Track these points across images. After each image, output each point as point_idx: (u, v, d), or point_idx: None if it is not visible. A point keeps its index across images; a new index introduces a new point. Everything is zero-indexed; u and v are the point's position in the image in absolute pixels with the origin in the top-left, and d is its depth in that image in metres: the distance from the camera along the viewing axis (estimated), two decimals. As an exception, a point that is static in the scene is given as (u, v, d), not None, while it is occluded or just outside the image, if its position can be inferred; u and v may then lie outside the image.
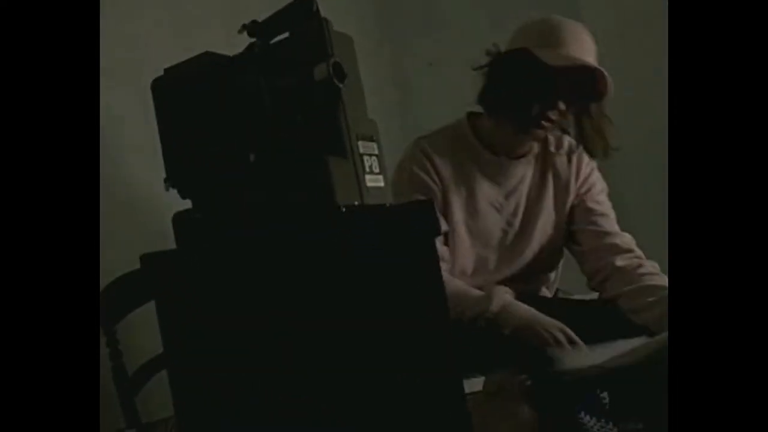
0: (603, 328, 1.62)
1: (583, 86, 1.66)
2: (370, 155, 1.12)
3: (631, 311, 1.64)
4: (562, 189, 1.78)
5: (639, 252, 1.74)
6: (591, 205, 1.79)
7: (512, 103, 1.67)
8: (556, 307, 1.67)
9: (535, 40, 1.65)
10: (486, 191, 1.74)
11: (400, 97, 3.02)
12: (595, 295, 1.81)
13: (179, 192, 1.16)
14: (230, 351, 1.10)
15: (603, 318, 1.69)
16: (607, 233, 1.76)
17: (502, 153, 1.75)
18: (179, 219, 1.14)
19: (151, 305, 1.19)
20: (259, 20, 1.14)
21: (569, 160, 1.79)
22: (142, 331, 1.90)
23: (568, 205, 1.79)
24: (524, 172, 1.76)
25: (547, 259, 1.80)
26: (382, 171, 1.15)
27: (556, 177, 1.78)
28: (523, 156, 1.76)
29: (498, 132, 1.73)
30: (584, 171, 1.80)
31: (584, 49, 1.65)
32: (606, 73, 1.62)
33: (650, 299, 1.62)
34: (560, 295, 1.90)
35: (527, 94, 1.65)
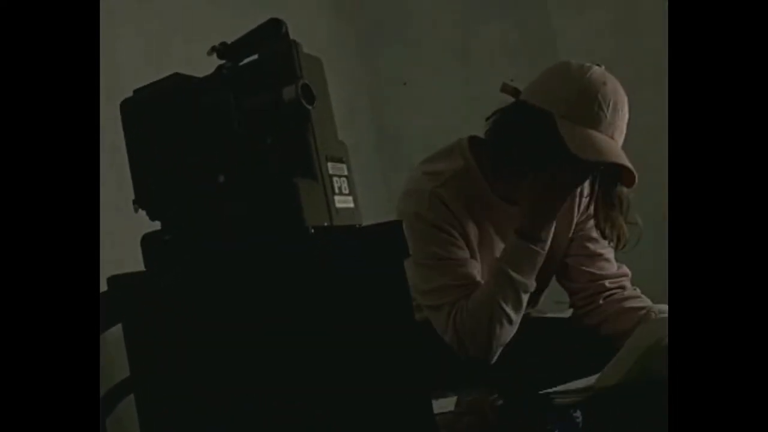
0: (577, 346, 1.64)
1: (607, 168, 1.54)
2: (340, 176, 1.13)
3: (614, 336, 1.64)
4: (565, 225, 1.71)
5: (627, 284, 1.73)
6: (587, 243, 1.72)
7: (527, 171, 1.53)
8: (530, 325, 1.67)
9: (564, 107, 1.49)
10: (498, 245, 1.65)
11: (374, 116, 3.03)
12: (568, 313, 1.82)
13: (148, 213, 1.15)
14: (197, 375, 1.10)
15: (577, 336, 1.70)
16: (599, 276, 1.72)
17: (511, 197, 1.63)
18: (147, 241, 1.14)
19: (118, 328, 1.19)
20: (229, 42, 1.15)
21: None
22: (112, 352, 1.89)
23: (568, 237, 1.73)
24: None
25: (541, 291, 1.76)
26: (352, 192, 1.15)
27: (561, 215, 1.66)
28: None
29: (508, 182, 1.61)
30: (585, 201, 1.72)
31: (617, 129, 1.51)
32: (633, 171, 1.50)
33: (632, 322, 1.62)
34: (534, 314, 1.90)
35: (547, 168, 1.51)
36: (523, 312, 1.59)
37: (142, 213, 1.16)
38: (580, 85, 1.50)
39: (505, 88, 1.57)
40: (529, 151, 1.52)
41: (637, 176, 1.51)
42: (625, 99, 1.53)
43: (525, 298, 1.58)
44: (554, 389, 1.46)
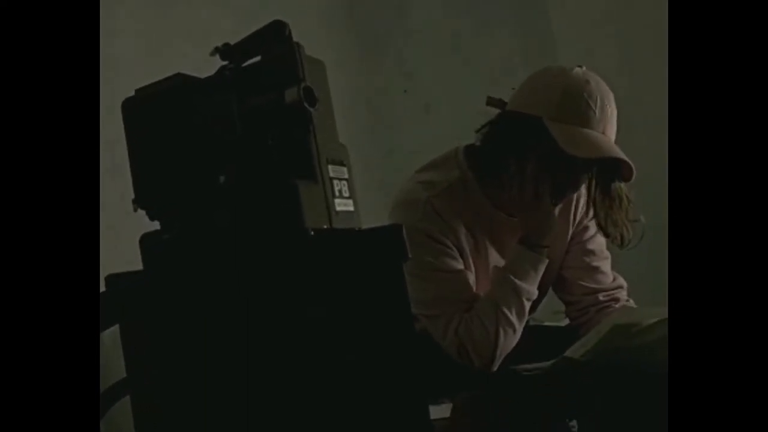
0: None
1: (604, 165, 1.54)
2: (340, 179, 1.13)
3: None
4: (561, 233, 1.69)
5: (622, 295, 1.73)
6: (584, 257, 1.71)
7: (521, 179, 1.52)
8: (530, 333, 1.67)
9: (553, 109, 1.48)
10: (496, 257, 1.65)
11: (374, 123, 3.03)
12: (565, 322, 1.82)
13: (147, 213, 1.15)
14: (194, 376, 1.09)
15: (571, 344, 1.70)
16: (594, 290, 1.71)
17: (509, 208, 1.62)
18: (146, 240, 1.14)
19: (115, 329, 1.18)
20: (232, 43, 1.15)
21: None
22: (109, 352, 1.88)
23: (565, 244, 1.72)
24: None
25: (540, 299, 1.74)
26: (352, 195, 1.15)
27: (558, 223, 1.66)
28: None
29: (503, 191, 1.58)
30: (580, 212, 1.71)
31: (608, 123, 1.50)
32: (630, 163, 1.50)
33: None
34: (531, 323, 1.90)
35: (539, 174, 1.51)
36: (525, 320, 1.59)
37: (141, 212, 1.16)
38: (565, 86, 1.50)
39: (491, 101, 1.57)
40: (522, 159, 1.52)
41: (635, 169, 1.50)
42: (611, 95, 1.53)
43: (528, 305, 1.58)
44: (521, 366, 1.47)
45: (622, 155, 1.50)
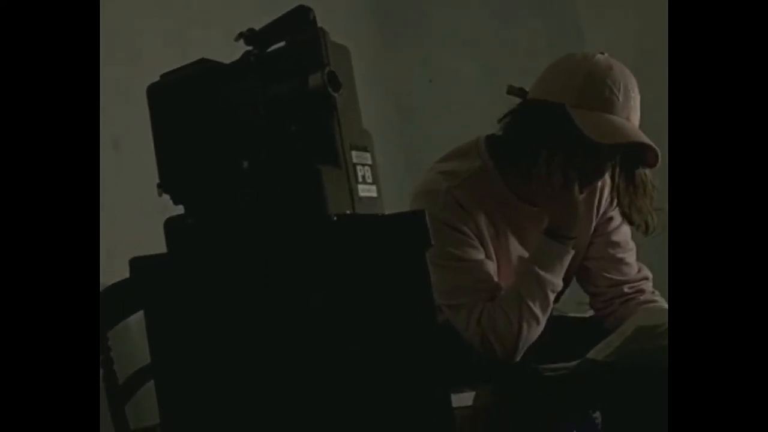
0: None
1: (628, 151, 1.52)
2: (363, 165, 1.12)
3: None
4: (586, 223, 1.67)
5: (647, 287, 1.71)
6: (608, 248, 1.69)
7: (544, 167, 1.50)
8: (553, 324, 1.66)
9: (575, 96, 1.47)
10: (517, 247, 1.64)
11: (400, 113, 3.03)
12: (589, 313, 1.81)
13: (172, 198, 1.16)
14: (218, 360, 1.10)
15: (596, 337, 1.69)
16: (619, 282, 1.70)
17: (531, 198, 1.60)
18: (171, 224, 1.14)
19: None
20: (256, 29, 1.15)
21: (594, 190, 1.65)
22: (137, 339, 1.90)
23: (589, 235, 1.70)
24: None
25: (564, 289, 1.71)
26: (375, 181, 1.14)
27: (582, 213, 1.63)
28: None
29: (526, 181, 1.57)
30: (605, 202, 1.68)
31: (632, 110, 1.48)
32: (656, 147, 1.47)
33: None
34: (555, 313, 1.89)
35: (564, 163, 1.49)
36: (549, 312, 1.58)
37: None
38: (587, 72, 1.49)
39: (512, 90, 1.55)
40: (545, 148, 1.51)
41: (660, 154, 1.48)
42: (634, 81, 1.51)
43: (552, 297, 1.57)
44: (545, 365, 1.46)
45: (647, 140, 1.48)
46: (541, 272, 1.54)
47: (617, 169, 1.60)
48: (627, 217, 1.63)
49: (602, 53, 1.54)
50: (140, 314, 1.43)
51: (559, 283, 1.57)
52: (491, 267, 1.59)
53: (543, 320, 1.56)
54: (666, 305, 1.70)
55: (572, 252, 1.57)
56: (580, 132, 1.46)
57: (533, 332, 1.55)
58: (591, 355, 1.42)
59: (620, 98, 1.48)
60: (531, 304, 1.53)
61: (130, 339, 1.83)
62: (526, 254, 1.64)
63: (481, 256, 1.57)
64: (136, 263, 1.11)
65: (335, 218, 1.06)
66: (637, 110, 1.51)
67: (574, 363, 1.44)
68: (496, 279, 1.59)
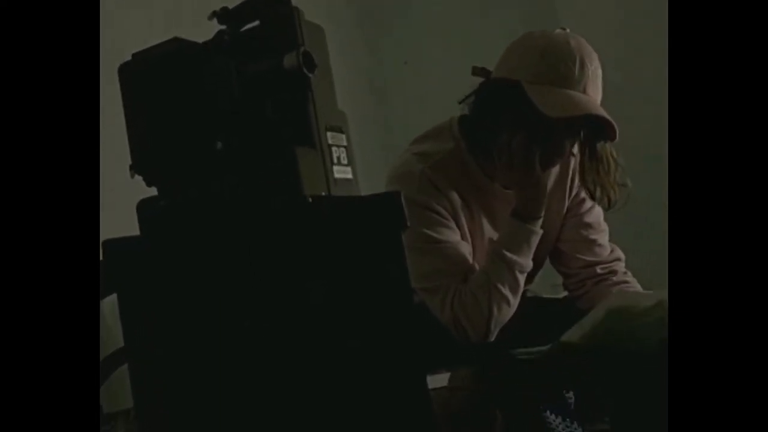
0: (567, 328, 1.63)
1: (588, 127, 1.52)
2: (339, 146, 1.11)
3: None
4: (557, 203, 1.69)
5: (620, 267, 1.73)
6: (581, 230, 1.71)
7: (505, 147, 1.51)
8: (527, 306, 1.67)
9: (531, 72, 1.47)
10: (489, 229, 1.65)
11: (374, 94, 3.02)
12: (563, 294, 1.82)
13: (144, 179, 1.14)
14: (192, 343, 1.09)
15: (569, 318, 1.70)
16: (591, 263, 1.71)
17: (501, 179, 1.61)
18: (143, 206, 1.13)
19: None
20: (230, 7, 1.13)
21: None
22: (109, 323, 1.88)
23: (561, 216, 1.71)
24: None
25: (536, 270, 1.75)
26: (351, 162, 1.14)
27: (552, 191, 1.67)
28: None
29: (494, 164, 1.57)
30: (576, 184, 1.69)
31: (589, 83, 1.47)
32: (612, 121, 1.48)
33: None
34: (528, 294, 1.90)
35: (526, 143, 1.48)
36: (520, 293, 1.59)
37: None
38: (543, 47, 1.49)
39: (475, 71, 1.56)
40: (506, 127, 1.50)
41: (617, 128, 1.48)
42: (594, 55, 1.51)
43: (522, 278, 1.57)
44: (519, 350, 1.47)
45: (602, 113, 1.48)
46: (509, 254, 1.54)
47: (584, 148, 1.60)
48: (589, 192, 1.64)
49: (563, 29, 1.54)
50: (111, 298, 1.42)
51: (527, 264, 1.57)
52: (467, 248, 1.59)
53: (514, 301, 1.56)
54: (638, 286, 1.71)
55: (540, 232, 1.57)
56: (537, 108, 1.45)
57: (504, 314, 1.55)
58: (564, 338, 1.43)
59: (576, 72, 1.47)
60: (500, 287, 1.53)
61: (102, 323, 1.81)
62: (494, 235, 1.64)
63: (457, 237, 1.57)
64: (108, 245, 1.09)
65: (310, 200, 1.05)
66: (596, 83, 1.50)
67: (547, 347, 1.45)
68: (471, 261, 1.59)
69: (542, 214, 1.56)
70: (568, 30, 1.54)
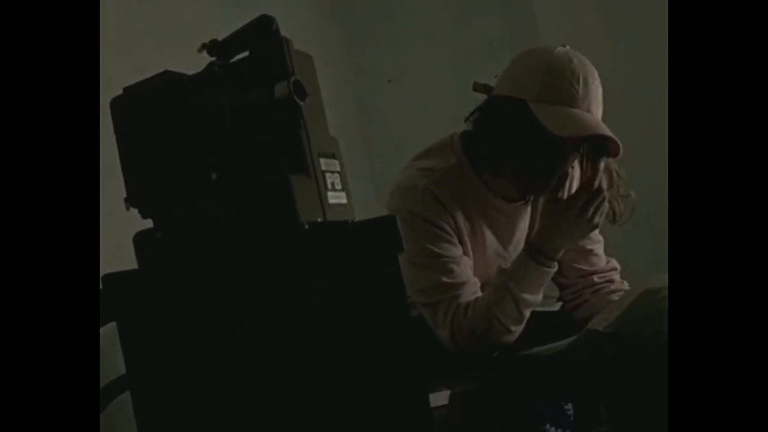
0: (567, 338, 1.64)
1: (592, 143, 1.52)
2: (332, 172, 1.13)
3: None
4: None
5: (616, 277, 1.74)
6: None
7: (511, 166, 1.53)
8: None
9: (536, 90, 1.48)
10: (492, 242, 1.65)
11: (360, 114, 3.03)
12: (556, 306, 1.83)
13: (140, 212, 1.15)
14: (193, 372, 1.09)
15: (566, 330, 1.71)
16: (589, 272, 1.72)
17: (505, 195, 1.63)
18: (140, 239, 1.13)
19: (111, 326, 1.18)
20: (219, 39, 1.14)
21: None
22: (105, 353, 1.87)
23: None
24: (526, 213, 1.68)
25: None
26: (345, 187, 1.15)
27: (548, 202, 1.64)
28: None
29: (500, 178, 1.59)
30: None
31: (593, 101, 1.50)
32: (617, 139, 1.49)
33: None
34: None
35: (528, 158, 1.51)
36: (524, 324, 1.58)
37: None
38: (547, 65, 1.50)
39: (476, 87, 1.56)
40: (512, 144, 1.52)
41: (621, 145, 1.51)
42: (595, 73, 1.53)
43: (528, 312, 1.56)
44: (534, 349, 1.47)
45: (608, 132, 1.50)
46: (518, 291, 1.53)
47: (585, 160, 1.62)
48: None
49: (563, 46, 1.56)
50: (107, 328, 1.42)
51: (536, 301, 1.56)
52: (468, 263, 1.60)
53: (516, 329, 1.55)
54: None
55: (553, 272, 1.56)
56: (543, 126, 1.47)
57: (505, 340, 1.55)
58: (591, 326, 1.41)
59: (580, 90, 1.49)
60: (502, 318, 1.52)
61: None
62: (501, 249, 1.65)
63: (459, 252, 1.58)
64: (107, 279, 1.10)
65: (307, 226, 1.06)
66: (598, 101, 1.53)
67: (569, 339, 1.44)
68: (472, 275, 1.60)
69: (559, 254, 1.56)
70: (568, 47, 1.55)
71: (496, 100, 1.55)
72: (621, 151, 1.52)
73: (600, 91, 1.53)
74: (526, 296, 1.53)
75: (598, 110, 1.53)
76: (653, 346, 1.30)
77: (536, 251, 1.55)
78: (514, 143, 1.52)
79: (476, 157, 1.60)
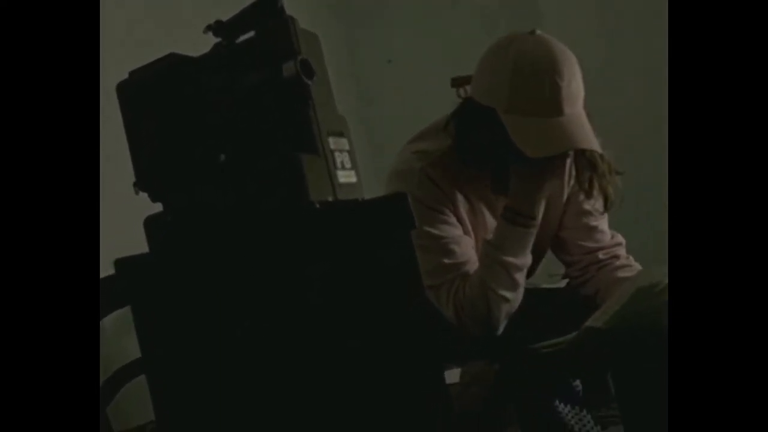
0: (571, 317, 1.65)
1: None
2: (341, 151, 1.12)
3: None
4: (557, 197, 1.68)
5: (621, 252, 1.73)
6: (581, 217, 1.70)
7: (493, 168, 1.54)
8: (532, 298, 1.67)
9: (505, 100, 1.43)
10: (491, 220, 1.64)
11: (359, 95, 3.02)
12: (562, 284, 1.83)
13: (149, 196, 1.15)
14: (209, 354, 1.09)
15: (572, 306, 1.71)
16: (594, 249, 1.71)
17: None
18: (150, 223, 1.13)
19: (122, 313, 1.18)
20: (224, 20, 1.14)
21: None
22: (111, 340, 1.87)
23: (561, 206, 1.71)
24: None
25: (536, 265, 1.73)
26: (354, 166, 1.15)
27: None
28: None
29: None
30: (574, 173, 1.68)
31: (566, 101, 1.43)
32: (591, 147, 1.46)
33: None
34: (528, 287, 1.91)
35: (505, 163, 1.50)
36: (522, 287, 1.58)
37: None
38: (512, 72, 1.44)
39: (455, 82, 1.54)
40: (489, 149, 1.51)
41: (599, 152, 1.50)
42: (567, 58, 1.46)
43: (521, 275, 1.57)
44: (540, 344, 1.47)
45: (582, 145, 1.46)
46: (503, 256, 1.53)
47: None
48: (586, 193, 1.65)
49: (532, 32, 1.50)
50: (114, 315, 1.42)
51: (524, 262, 1.57)
52: (469, 243, 1.60)
53: (514, 296, 1.55)
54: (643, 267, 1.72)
55: (532, 231, 1.55)
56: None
57: (506, 310, 1.55)
58: (589, 323, 1.42)
59: (551, 95, 1.43)
60: (496, 288, 1.52)
61: (105, 340, 1.81)
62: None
63: (459, 232, 1.58)
64: (120, 264, 1.10)
65: (318, 206, 1.06)
66: (574, 96, 1.46)
67: (570, 336, 1.45)
68: (474, 254, 1.60)
69: (536, 212, 1.55)
70: (538, 32, 1.49)
71: (470, 105, 1.53)
72: (601, 153, 1.52)
73: (576, 80, 1.46)
74: (513, 260, 1.53)
75: (573, 105, 1.46)
76: (651, 339, 1.31)
77: (514, 213, 1.54)
78: (491, 149, 1.51)
79: (461, 155, 1.58)
